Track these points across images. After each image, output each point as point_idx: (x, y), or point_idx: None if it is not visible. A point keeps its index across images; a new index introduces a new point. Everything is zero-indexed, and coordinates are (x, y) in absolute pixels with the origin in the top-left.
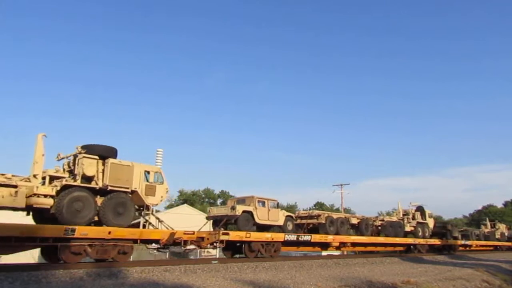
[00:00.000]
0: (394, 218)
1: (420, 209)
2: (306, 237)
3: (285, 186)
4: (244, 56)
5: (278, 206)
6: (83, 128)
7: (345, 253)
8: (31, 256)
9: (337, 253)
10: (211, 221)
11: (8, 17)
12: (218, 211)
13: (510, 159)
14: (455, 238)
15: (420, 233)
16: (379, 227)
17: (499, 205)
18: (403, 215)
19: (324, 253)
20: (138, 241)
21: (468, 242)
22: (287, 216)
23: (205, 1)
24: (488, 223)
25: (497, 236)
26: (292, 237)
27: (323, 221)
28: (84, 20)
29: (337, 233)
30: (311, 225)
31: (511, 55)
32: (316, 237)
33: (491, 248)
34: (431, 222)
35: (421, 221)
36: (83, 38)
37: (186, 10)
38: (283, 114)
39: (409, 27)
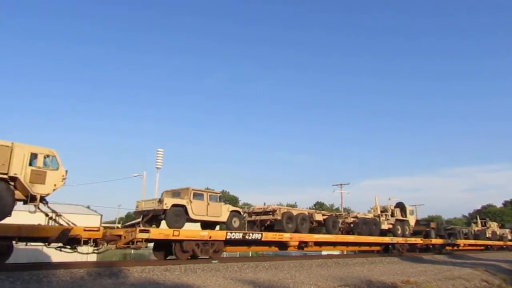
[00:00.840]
0: (370, 215)
1: (400, 205)
2: (256, 236)
3: (285, 186)
4: (244, 56)
5: (220, 199)
6: (83, 128)
7: (345, 252)
8: (32, 255)
9: (337, 252)
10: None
11: (8, 17)
12: (146, 204)
13: (509, 159)
14: (441, 237)
15: (399, 231)
16: (351, 225)
17: (499, 205)
18: (381, 211)
19: (324, 252)
20: (17, 239)
21: (454, 242)
22: (232, 211)
23: (205, 1)
24: (479, 221)
25: (487, 235)
26: (237, 235)
27: (279, 217)
28: (84, 20)
29: (296, 231)
30: (268, 222)
31: (511, 55)
32: (268, 236)
33: (482, 247)
34: (412, 220)
35: (401, 218)
36: (83, 38)
37: (186, 10)
38: (283, 114)
39: (408, 27)
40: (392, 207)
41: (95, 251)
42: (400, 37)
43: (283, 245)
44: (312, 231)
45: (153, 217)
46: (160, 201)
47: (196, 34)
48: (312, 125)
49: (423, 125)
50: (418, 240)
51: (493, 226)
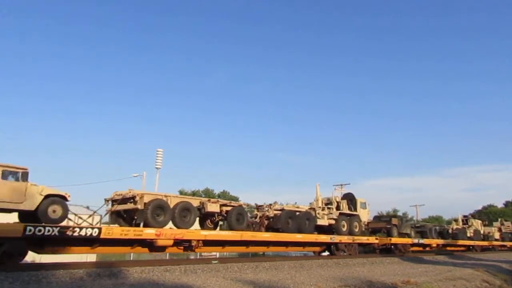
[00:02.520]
0: (304, 208)
1: (348, 196)
2: (85, 231)
3: (285, 186)
4: (244, 56)
5: (26, 178)
6: (83, 128)
7: None
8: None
9: None
10: None
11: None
12: None
13: (510, 159)
14: (406, 236)
15: (344, 228)
16: (272, 219)
17: (500, 205)
18: (326, 204)
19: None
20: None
21: (424, 241)
22: (50, 196)
23: (205, 1)
24: (460, 219)
25: (469, 234)
26: (48, 230)
27: (141, 206)
28: (84, 20)
29: (176, 226)
30: (131, 212)
31: (511, 55)
32: (114, 232)
33: (462, 248)
34: (364, 214)
35: (347, 212)
36: (83, 38)
37: (186, 10)
38: (283, 114)
39: (408, 28)
40: (338, 199)
41: None
42: (400, 37)
43: (150, 245)
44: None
45: None
46: None
47: (196, 34)
48: (312, 125)
49: (423, 125)
50: (371, 240)
51: (476, 224)
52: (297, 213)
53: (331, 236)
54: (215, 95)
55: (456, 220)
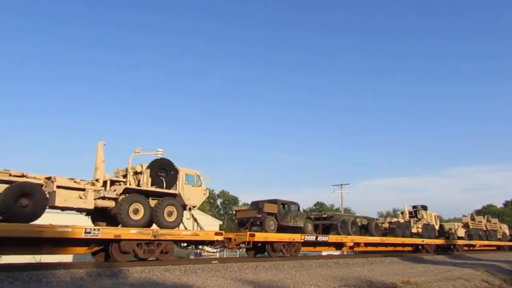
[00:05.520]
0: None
1: (159, 164)
2: None
3: (285, 186)
4: (243, 56)
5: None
6: (83, 128)
7: (345, 252)
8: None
9: (336, 253)
10: None
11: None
12: None
13: (510, 159)
14: (296, 231)
15: (138, 216)
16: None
17: (499, 205)
18: (124, 174)
19: (324, 252)
20: None
21: (329, 238)
22: None
23: (205, 1)
24: (406, 209)
25: (415, 230)
26: None
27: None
28: (84, 20)
29: None
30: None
31: (510, 55)
32: None
33: (403, 248)
34: (195, 194)
35: (148, 189)
36: (83, 38)
37: (185, 10)
38: (283, 114)
39: (408, 28)
40: (141, 168)
41: None
42: (400, 38)
43: None
44: None
45: None
46: None
47: (196, 34)
48: (312, 125)
49: (423, 125)
50: (203, 235)
51: (429, 217)
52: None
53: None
54: (215, 95)
55: (402, 212)
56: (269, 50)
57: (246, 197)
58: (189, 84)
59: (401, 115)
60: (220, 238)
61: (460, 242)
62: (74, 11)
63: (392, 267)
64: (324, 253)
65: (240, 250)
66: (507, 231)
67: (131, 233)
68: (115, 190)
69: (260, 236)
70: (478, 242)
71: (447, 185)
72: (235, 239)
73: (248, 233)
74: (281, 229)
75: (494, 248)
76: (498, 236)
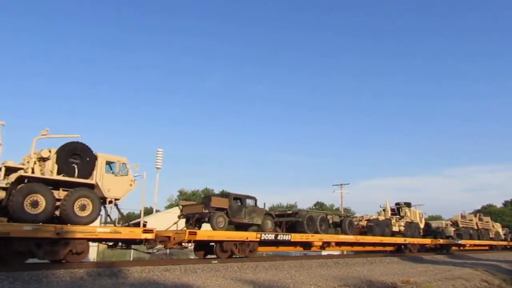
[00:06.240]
0: None
1: (69, 148)
2: None
3: (285, 186)
4: (243, 56)
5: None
6: (83, 128)
7: (345, 252)
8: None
9: (336, 252)
10: None
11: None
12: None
13: (509, 159)
14: (257, 228)
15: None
16: None
17: (499, 205)
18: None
19: (324, 252)
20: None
21: (291, 237)
22: None
23: (204, 1)
24: (388, 206)
25: (397, 228)
26: None
27: None
28: (84, 20)
29: None
30: None
31: (510, 55)
32: None
33: (371, 248)
34: (119, 185)
35: (46, 177)
36: (83, 38)
37: (185, 10)
38: (283, 114)
39: (408, 28)
40: (47, 153)
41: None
42: (400, 38)
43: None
44: None
45: None
46: None
47: (196, 34)
48: (312, 125)
49: (423, 125)
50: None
51: (413, 215)
52: None
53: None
54: (215, 95)
55: (385, 210)
56: (269, 50)
57: None
58: (189, 84)
59: (401, 115)
60: (150, 236)
61: (447, 241)
62: (74, 11)
63: (392, 266)
64: (324, 253)
65: (186, 250)
66: (500, 230)
67: (25, 230)
68: (7, 179)
69: (203, 234)
70: (468, 242)
71: (447, 185)
72: (174, 238)
73: (187, 230)
74: (241, 227)
75: (486, 248)
76: (491, 236)
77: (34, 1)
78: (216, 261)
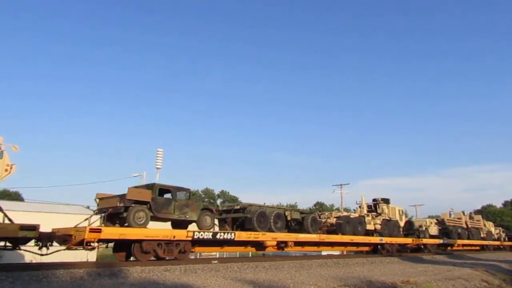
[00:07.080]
0: None
1: None
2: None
3: (285, 186)
4: (243, 56)
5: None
6: (82, 128)
7: (345, 252)
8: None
9: (337, 253)
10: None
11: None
12: None
13: (509, 159)
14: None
15: None
16: None
17: (499, 205)
18: None
19: (324, 253)
20: None
21: (235, 235)
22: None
23: (204, 1)
24: (364, 202)
25: (371, 226)
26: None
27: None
28: (84, 20)
29: None
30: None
31: (510, 54)
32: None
33: (342, 248)
34: None
35: None
36: (83, 38)
37: (185, 11)
38: (283, 114)
39: (408, 28)
40: None
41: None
42: (400, 38)
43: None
44: None
45: None
46: None
47: (195, 34)
48: (312, 125)
49: (423, 125)
50: None
51: (391, 211)
52: None
53: None
54: (215, 95)
55: (360, 207)
56: (269, 50)
57: (246, 197)
58: (189, 84)
59: (401, 115)
60: (31, 234)
61: (431, 241)
62: (74, 11)
63: (392, 267)
64: (324, 253)
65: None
66: (492, 230)
67: None
68: None
69: (111, 232)
70: (455, 241)
71: (447, 185)
72: (75, 237)
73: (88, 227)
74: (177, 224)
75: (477, 248)
76: (482, 235)
77: (34, 1)
78: (216, 261)
